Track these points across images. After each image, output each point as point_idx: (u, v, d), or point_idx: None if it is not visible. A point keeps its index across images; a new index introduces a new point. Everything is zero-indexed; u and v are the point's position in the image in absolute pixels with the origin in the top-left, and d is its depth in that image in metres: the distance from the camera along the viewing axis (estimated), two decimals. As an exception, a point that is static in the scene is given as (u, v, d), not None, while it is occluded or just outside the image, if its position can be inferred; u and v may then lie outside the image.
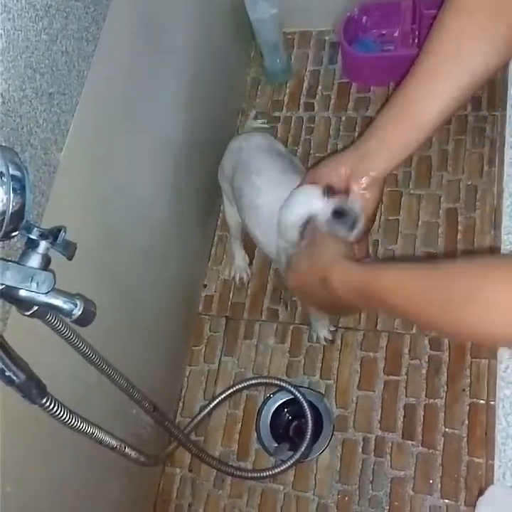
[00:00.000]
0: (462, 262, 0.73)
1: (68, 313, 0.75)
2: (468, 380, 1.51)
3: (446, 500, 1.42)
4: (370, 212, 0.92)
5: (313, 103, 1.95)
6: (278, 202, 1.12)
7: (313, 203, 0.94)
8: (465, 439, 1.46)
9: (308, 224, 0.95)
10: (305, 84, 1.98)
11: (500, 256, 0.66)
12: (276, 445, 1.56)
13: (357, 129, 1.86)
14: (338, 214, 0.91)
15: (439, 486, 1.44)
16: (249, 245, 1.74)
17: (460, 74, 0.78)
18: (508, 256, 0.63)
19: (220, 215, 1.82)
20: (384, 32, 1.93)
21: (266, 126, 1.81)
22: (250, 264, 1.76)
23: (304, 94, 1.97)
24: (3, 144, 0.80)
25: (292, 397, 1.55)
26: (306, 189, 0.97)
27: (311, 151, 1.87)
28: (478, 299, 0.61)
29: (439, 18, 0.78)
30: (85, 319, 0.76)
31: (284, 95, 1.98)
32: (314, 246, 0.92)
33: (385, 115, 0.85)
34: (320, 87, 1.97)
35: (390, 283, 0.74)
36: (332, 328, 1.63)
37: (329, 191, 0.92)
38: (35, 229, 0.77)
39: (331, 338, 1.62)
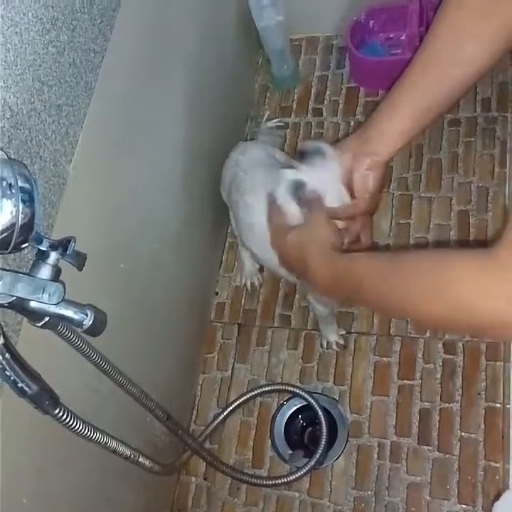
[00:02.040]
0: (422, 257, 0.76)
1: (79, 324, 0.75)
2: (484, 384, 1.50)
3: (464, 506, 1.41)
4: (374, 192, 0.96)
5: (322, 108, 1.95)
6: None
7: (296, 171, 0.97)
8: (481, 444, 1.44)
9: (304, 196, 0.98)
10: (313, 90, 1.98)
11: (458, 250, 0.69)
12: (290, 452, 1.55)
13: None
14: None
15: (456, 491, 1.42)
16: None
17: (452, 66, 0.81)
18: (465, 250, 0.66)
19: (230, 222, 1.82)
20: (391, 36, 1.93)
21: (281, 124, 1.82)
22: (261, 270, 1.76)
23: (312, 100, 1.97)
24: (12, 157, 0.81)
25: (306, 403, 1.54)
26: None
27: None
28: (437, 292, 0.64)
29: (438, 13, 0.81)
30: (96, 329, 0.77)
31: (292, 101, 1.98)
32: (309, 225, 0.95)
33: (383, 104, 0.91)
34: (328, 93, 1.97)
35: (358, 273, 0.78)
36: (342, 332, 1.62)
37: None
38: (45, 240, 0.77)
39: (342, 343, 1.62)
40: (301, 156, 1.03)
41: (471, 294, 0.60)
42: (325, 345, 1.63)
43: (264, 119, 1.76)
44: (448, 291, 0.63)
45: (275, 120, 1.78)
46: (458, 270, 0.62)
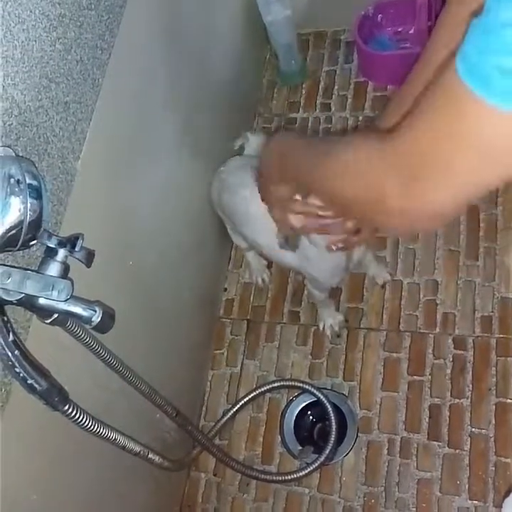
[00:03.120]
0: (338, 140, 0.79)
1: (87, 320, 0.75)
2: (494, 379, 1.49)
3: (475, 502, 1.41)
4: None
5: (330, 103, 1.94)
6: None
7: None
8: (492, 439, 1.44)
9: None
10: (321, 85, 1.97)
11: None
12: (300, 448, 1.55)
13: (374, 128, 1.85)
14: None
15: (467, 486, 1.42)
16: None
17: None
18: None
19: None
20: (399, 29, 1.92)
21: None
22: (269, 266, 1.76)
23: (320, 95, 1.96)
24: (21, 154, 0.81)
25: (315, 399, 1.54)
26: None
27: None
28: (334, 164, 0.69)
29: (443, 10, 0.81)
30: (104, 326, 0.77)
31: (300, 96, 1.98)
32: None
33: (392, 102, 0.91)
34: (336, 87, 1.96)
35: (290, 145, 0.85)
36: (340, 317, 1.63)
37: None
38: (54, 237, 0.77)
39: (336, 329, 1.63)
40: None
41: (373, 174, 0.62)
42: (321, 327, 1.64)
43: (253, 132, 1.75)
44: (350, 170, 0.66)
45: (260, 135, 1.77)
46: (361, 153, 0.65)
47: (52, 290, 0.72)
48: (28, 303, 0.73)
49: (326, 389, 1.57)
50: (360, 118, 1.89)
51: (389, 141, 0.59)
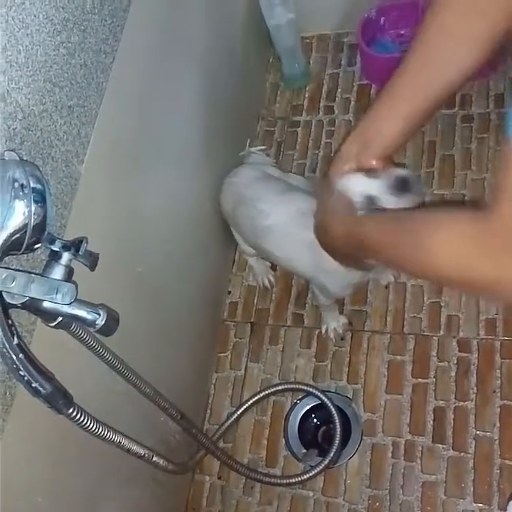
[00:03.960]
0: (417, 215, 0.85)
1: (92, 323, 0.76)
2: (499, 382, 1.48)
3: (479, 505, 1.40)
4: None
5: (333, 106, 1.94)
6: (285, 218, 1.34)
7: (367, 183, 0.98)
8: (497, 442, 1.43)
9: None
10: (324, 88, 1.98)
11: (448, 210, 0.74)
12: (304, 451, 1.55)
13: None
14: (399, 184, 0.99)
15: (472, 489, 1.41)
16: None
17: (443, 66, 0.83)
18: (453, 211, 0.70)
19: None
20: (402, 32, 1.92)
21: (264, 148, 1.80)
22: (273, 269, 1.76)
23: (323, 98, 1.96)
24: (25, 158, 0.81)
25: (320, 402, 1.54)
26: (352, 177, 0.98)
27: (332, 155, 1.86)
28: (424, 247, 0.69)
29: (427, 11, 0.83)
30: (109, 329, 0.77)
31: (304, 99, 1.98)
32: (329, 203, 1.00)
33: (378, 105, 0.93)
34: (339, 90, 1.96)
35: (368, 228, 0.87)
36: (344, 320, 1.63)
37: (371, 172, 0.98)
38: (58, 241, 0.77)
39: (340, 332, 1.62)
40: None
41: (466, 253, 0.63)
42: (324, 331, 1.64)
43: (247, 145, 1.75)
44: (424, 255, 0.69)
45: (259, 147, 1.77)
46: (442, 235, 0.66)
47: (56, 293, 0.73)
48: (33, 306, 0.73)
49: (330, 392, 1.57)
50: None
51: (492, 212, 0.59)
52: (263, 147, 1.79)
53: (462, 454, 1.45)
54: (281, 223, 1.38)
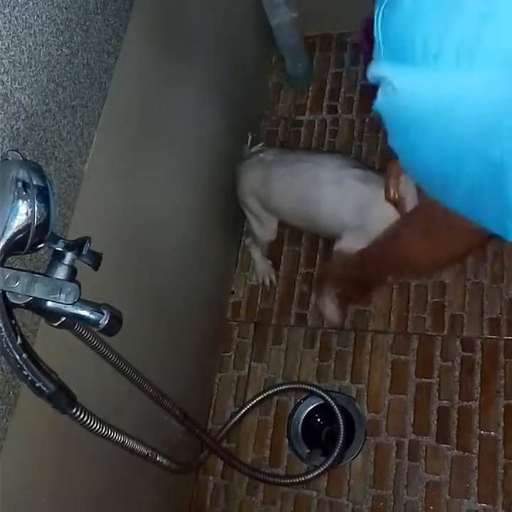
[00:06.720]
0: None
1: (95, 323, 0.75)
2: (503, 381, 1.48)
3: (484, 504, 1.40)
4: None
5: (337, 105, 1.94)
6: (336, 168, 1.44)
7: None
8: (501, 442, 1.43)
9: None
10: (327, 87, 1.97)
11: None
12: (308, 451, 1.55)
13: (381, 130, 1.85)
14: None
15: (476, 489, 1.41)
16: (275, 251, 1.74)
17: None
18: None
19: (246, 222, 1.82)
20: (405, 31, 1.91)
21: (262, 146, 1.80)
22: (275, 268, 1.76)
23: (326, 97, 1.96)
24: (28, 158, 0.81)
25: (323, 402, 1.54)
26: None
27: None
28: None
29: None
30: (112, 328, 0.77)
31: (307, 99, 1.98)
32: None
33: None
34: (343, 90, 1.96)
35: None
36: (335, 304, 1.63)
37: None
38: (61, 240, 0.77)
39: (336, 319, 1.62)
40: None
41: None
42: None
43: (248, 143, 1.75)
44: None
45: (260, 144, 1.77)
46: None
47: (59, 293, 0.72)
48: (36, 306, 0.73)
49: (333, 391, 1.57)
50: (367, 120, 1.88)
51: None
52: (261, 144, 1.79)
53: (466, 453, 1.45)
54: (333, 172, 1.45)
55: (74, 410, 0.79)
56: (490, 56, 0.43)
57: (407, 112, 0.51)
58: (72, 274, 0.78)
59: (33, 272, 0.75)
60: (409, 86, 0.49)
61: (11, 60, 0.78)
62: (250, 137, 1.77)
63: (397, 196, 1.23)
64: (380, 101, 0.54)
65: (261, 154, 1.59)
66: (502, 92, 0.44)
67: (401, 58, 0.49)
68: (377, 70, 0.54)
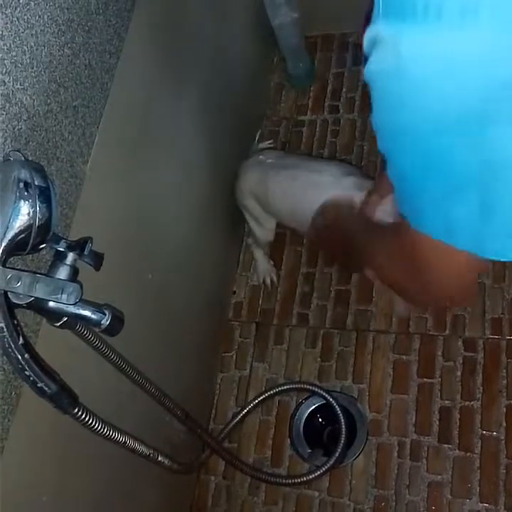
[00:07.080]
0: None
1: (97, 323, 0.76)
2: (505, 381, 1.48)
3: (486, 504, 1.40)
4: None
5: (338, 105, 1.94)
6: (336, 173, 1.42)
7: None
8: (503, 442, 1.43)
9: None
10: (329, 87, 1.97)
11: None
12: (310, 451, 1.55)
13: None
14: None
15: (478, 489, 1.41)
16: (277, 251, 1.74)
17: None
18: None
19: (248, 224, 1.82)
20: (407, 31, 1.91)
21: (272, 146, 1.81)
22: (277, 268, 1.76)
23: (328, 97, 1.96)
24: (30, 158, 0.81)
25: (325, 402, 1.54)
26: None
27: (337, 154, 1.86)
28: None
29: None
30: (114, 329, 0.77)
31: (309, 99, 1.98)
32: None
33: None
34: (344, 89, 1.96)
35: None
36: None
37: None
38: (63, 241, 0.77)
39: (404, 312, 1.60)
40: None
41: None
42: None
43: (256, 140, 1.75)
44: None
45: (267, 141, 1.78)
46: None
47: (61, 293, 0.73)
48: (38, 306, 0.74)
49: (335, 391, 1.57)
50: (369, 120, 1.88)
51: None
52: (271, 141, 1.80)
53: (468, 453, 1.45)
54: (331, 178, 1.43)
55: (75, 410, 0.79)
56: (497, 12, 0.39)
57: (404, 75, 0.45)
58: (74, 274, 0.78)
59: (35, 272, 0.75)
60: (408, 45, 0.45)
61: (12, 60, 0.78)
62: (259, 132, 1.77)
63: (372, 215, 1.20)
64: (372, 68, 0.50)
65: (261, 156, 1.59)
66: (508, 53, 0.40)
67: (401, 16, 0.45)
68: (373, 30, 0.49)
